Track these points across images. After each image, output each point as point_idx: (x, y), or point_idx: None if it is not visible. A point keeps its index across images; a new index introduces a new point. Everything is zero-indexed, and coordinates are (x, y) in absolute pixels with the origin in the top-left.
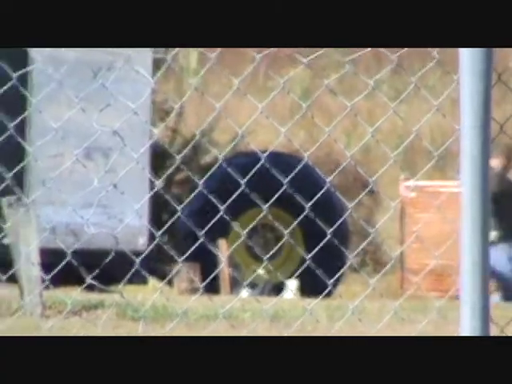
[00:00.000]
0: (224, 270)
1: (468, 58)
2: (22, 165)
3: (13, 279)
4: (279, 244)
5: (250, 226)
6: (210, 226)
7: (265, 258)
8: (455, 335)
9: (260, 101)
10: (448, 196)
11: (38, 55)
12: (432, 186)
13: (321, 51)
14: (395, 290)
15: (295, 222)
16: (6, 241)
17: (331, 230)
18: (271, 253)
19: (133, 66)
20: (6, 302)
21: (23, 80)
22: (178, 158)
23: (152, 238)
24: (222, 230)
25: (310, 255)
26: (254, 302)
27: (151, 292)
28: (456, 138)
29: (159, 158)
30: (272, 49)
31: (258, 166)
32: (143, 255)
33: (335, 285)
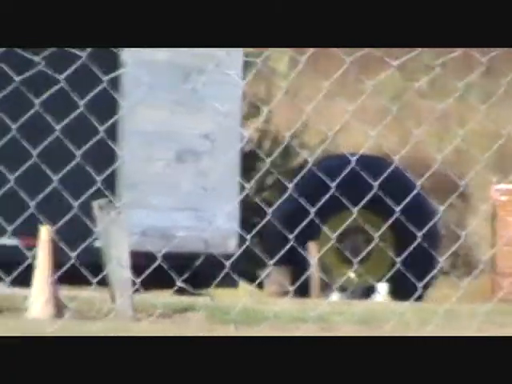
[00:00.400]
0: (314, 273)
1: None
2: (112, 168)
3: (104, 282)
4: (369, 247)
5: (340, 229)
6: (300, 228)
7: (355, 261)
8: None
9: (350, 103)
10: None
11: (129, 58)
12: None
13: (411, 54)
14: (486, 294)
15: (385, 225)
16: (97, 244)
17: (422, 232)
18: (361, 256)
19: (223, 68)
20: (97, 304)
21: (114, 83)
22: (268, 160)
23: (242, 241)
24: (312, 233)
25: (400, 258)
26: (344, 305)
27: (241, 295)
28: None
29: (249, 160)
30: (362, 52)
31: (349, 169)
32: (233, 258)
33: (426, 288)
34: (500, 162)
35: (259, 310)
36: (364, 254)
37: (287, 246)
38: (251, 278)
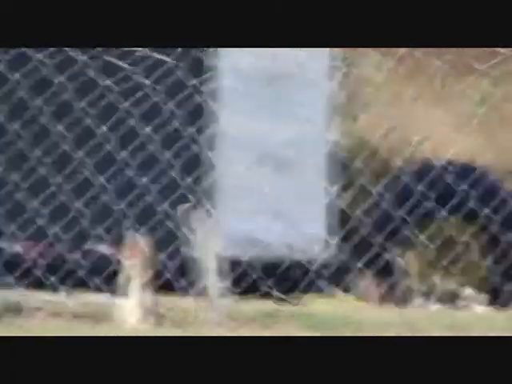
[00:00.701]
0: (402, 278)
1: None
2: (198, 173)
3: (198, 291)
4: (463, 256)
5: (429, 235)
6: (389, 235)
7: (442, 266)
8: None
9: (437, 109)
10: None
11: (215, 63)
12: None
13: (498, 59)
14: None
15: (473, 230)
16: (189, 251)
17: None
18: (456, 265)
19: (309, 73)
20: (193, 312)
21: (199, 88)
22: (355, 166)
23: (329, 246)
24: (400, 239)
25: (489, 263)
26: (433, 311)
27: (330, 302)
28: None
29: (337, 166)
30: (449, 56)
31: (436, 174)
32: (320, 263)
33: None
34: None
35: (347, 316)
36: (459, 263)
37: (376, 252)
38: (339, 283)
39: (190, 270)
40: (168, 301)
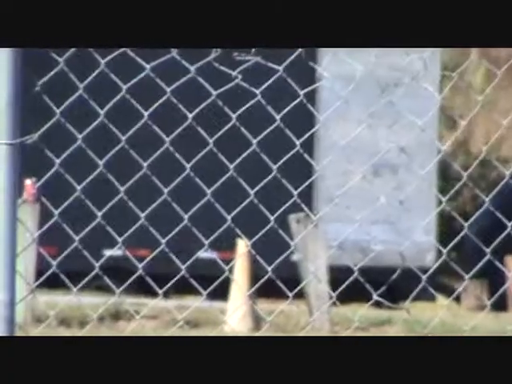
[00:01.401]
0: (511, 287)
1: None
2: (309, 182)
3: (301, 295)
4: None
5: None
6: (497, 242)
7: None
8: None
9: None
10: None
11: (326, 72)
12: None
13: None
14: None
15: None
16: (294, 257)
17: None
18: None
19: (420, 82)
20: (295, 317)
21: (311, 97)
22: (465, 174)
23: (439, 254)
24: (509, 247)
25: None
26: None
27: (439, 308)
28: None
29: (447, 174)
30: None
31: None
32: (430, 271)
33: None
34: None
35: (456, 323)
36: None
37: (484, 260)
38: (448, 291)
39: (295, 275)
40: (271, 305)
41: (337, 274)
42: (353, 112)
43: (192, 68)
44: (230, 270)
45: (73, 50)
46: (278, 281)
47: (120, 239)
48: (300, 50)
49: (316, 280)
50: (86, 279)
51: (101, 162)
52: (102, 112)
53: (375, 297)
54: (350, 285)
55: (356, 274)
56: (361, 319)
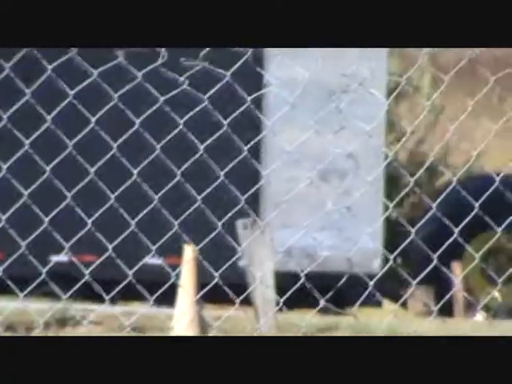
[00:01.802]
0: (458, 292)
1: None
2: (256, 187)
3: (248, 301)
4: None
5: (484, 249)
6: (443, 248)
7: (499, 281)
8: None
9: (494, 122)
10: None
11: (273, 78)
12: None
13: None
14: None
15: None
16: (240, 263)
17: None
18: (505, 276)
19: (367, 87)
20: (242, 323)
21: (258, 103)
22: (412, 180)
23: (386, 260)
24: (455, 253)
25: None
26: (487, 325)
27: (385, 314)
28: None
29: (393, 180)
30: (506, 71)
31: (492, 188)
32: (377, 277)
33: None
34: None
35: (403, 329)
36: (508, 273)
37: (431, 266)
38: (395, 297)
39: (242, 281)
40: (217, 311)
41: (284, 280)
42: (300, 118)
43: (139, 74)
44: (177, 276)
45: (20, 54)
46: (224, 286)
47: (67, 245)
48: (247, 54)
49: (263, 286)
50: (33, 285)
51: (47, 168)
52: (48, 117)
53: (322, 302)
54: (297, 291)
55: (303, 279)
56: (308, 325)
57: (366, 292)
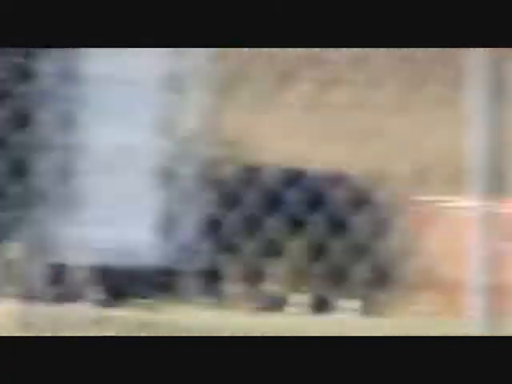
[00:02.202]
0: (231, 286)
1: (479, 72)
2: (26, 181)
3: (17, 295)
4: (282, 260)
5: (256, 244)
6: (216, 241)
7: (268, 273)
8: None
9: (270, 115)
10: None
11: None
12: (444, 201)
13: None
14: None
15: (299, 236)
16: (17, 258)
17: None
18: (274, 269)
19: (147, 81)
20: (13, 316)
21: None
22: (188, 171)
23: (162, 252)
24: (228, 246)
25: (315, 268)
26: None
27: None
28: (471, 154)
29: (170, 171)
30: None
31: (268, 181)
32: (151, 270)
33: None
34: (418, 174)
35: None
36: (277, 266)
37: (204, 258)
38: (169, 289)
39: (16, 275)
40: None
41: (60, 273)
42: (72, 110)
43: None
44: None
45: None
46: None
47: None
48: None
49: (34, 279)
50: None
51: None
52: None
53: (98, 295)
54: (72, 283)
55: (77, 272)
56: (82, 317)
57: (141, 284)
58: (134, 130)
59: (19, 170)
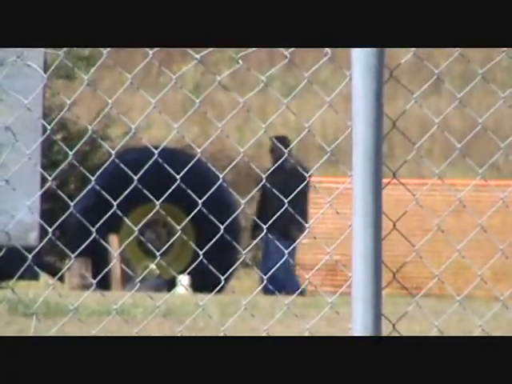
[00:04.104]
0: (116, 265)
1: (360, 55)
2: None
3: None
4: (171, 240)
5: (142, 222)
6: (101, 221)
7: (157, 253)
8: (347, 335)
9: (153, 96)
10: (341, 192)
11: None
12: (324, 182)
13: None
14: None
15: (188, 218)
16: None
17: (224, 226)
18: (163, 249)
19: (25, 61)
20: None
21: None
22: (71, 153)
23: (44, 233)
24: (113, 226)
25: (202, 251)
26: (146, 297)
27: (43, 288)
28: (349, 133)
29: (53, 153)
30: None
31: (151, 161)
32: (35, 251)
33: (227, 280)
34: (302, 154)
35: (60, 302)
36: (166, 246)
37: (89, 239)
38: (53, 271)
39: None
40: None
41: None
42: None
43: None
44: None
45: None
46: None
47: None
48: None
49: None
50: None
51: None
52: None
53: None
54: None
55: None
56: None
57: (24, 266)
58: (16, 111)
59: None
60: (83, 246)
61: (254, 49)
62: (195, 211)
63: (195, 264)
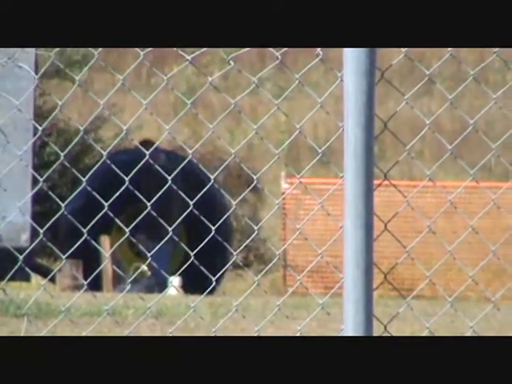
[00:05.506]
0: (107, 266)
1: (352, 56)
2: None
3: None
4: (162, 241)
5: (134, 223)
6: (92, 223)
7: (148, 254)
8: (338, 335)
9: (144, 98)
10: (331, 193)
11: None
12: (315, 183)
13: (204, 48)
14: (279, 287)
15: (179, 219)
16: None
17: (215, 227)
18: (154, 250)
19: (16, 62)
20: None
21: None
22: (62, 154)
23: (36, 235)
24: (105, 227)
25: (193, 252)
26: (137, 298)
27: (34, 289)
28: (340, 135)
29: (44, 154)
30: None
31: (142, 162)
32: (26, 252)
33: (219, 282)
34: (293, 156)
35: (52, 304)
36: (157, 248)
37: (80, 241)
38: (44, 272)
39: None
40: None
41: None
42: None
43: None
44: None
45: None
46: None
47: None
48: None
49: None
50: None
51: None
52: None
53: None
54: None
55: None
56: None
57: (16, 267)
58: (7, 112)
59: None
60: (74, 247)
61: (245, 49)
62: (186, 212)
63: (186, 265)
